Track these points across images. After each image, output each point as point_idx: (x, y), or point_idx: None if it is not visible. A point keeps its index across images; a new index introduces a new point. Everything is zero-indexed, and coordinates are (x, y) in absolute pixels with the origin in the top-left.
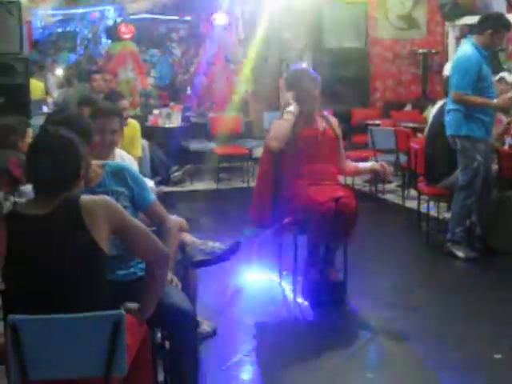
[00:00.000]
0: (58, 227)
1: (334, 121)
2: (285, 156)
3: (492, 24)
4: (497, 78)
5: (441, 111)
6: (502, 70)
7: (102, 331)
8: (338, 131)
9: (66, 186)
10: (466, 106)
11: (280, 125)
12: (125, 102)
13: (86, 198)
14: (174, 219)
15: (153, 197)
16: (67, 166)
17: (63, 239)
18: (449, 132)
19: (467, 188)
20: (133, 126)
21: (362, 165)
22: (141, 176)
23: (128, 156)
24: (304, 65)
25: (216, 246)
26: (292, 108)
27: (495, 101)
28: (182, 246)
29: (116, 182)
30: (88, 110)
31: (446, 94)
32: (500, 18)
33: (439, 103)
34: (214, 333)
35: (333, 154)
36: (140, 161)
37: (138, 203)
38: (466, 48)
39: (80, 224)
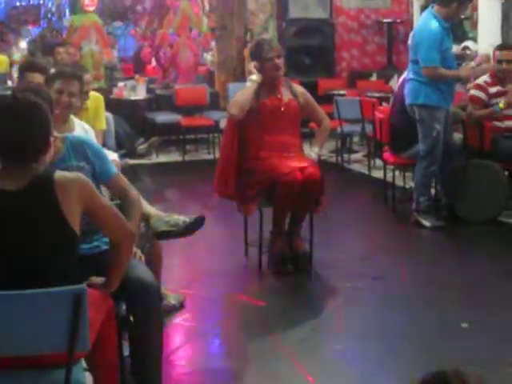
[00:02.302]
0: (30, 205)
1: (301, 90)
2: (248, 127)
3: None
4: (461, 46)
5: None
6: (467, 38)
7: (64, 306)
8: (305, 99)
9: (35, 155)
10: (437, 81)
11: (241, 92)
12: (87, 76)
13: (60, 175)
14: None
15: (115, 170)
16: (37, 132)
17: (35, 217)
18: (407, 101)
19: (428, 157)
20: (96, 98)
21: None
22: (102, 149)
23: (90, 128)
24: (268, 35)
25: (180, 218)
26: (254, 77)
27: (462, 71)
28: (146, 218)
29: (77, 156)
30: (32, 75)
31: None
32: None
33: (405, 73)
34: (180, 306)
35: (296, 126)
36: (104, 133)
37: (100, 177)
38: (428, 21)
39: (53, 203)
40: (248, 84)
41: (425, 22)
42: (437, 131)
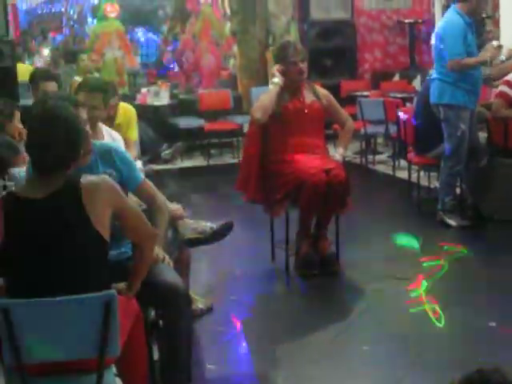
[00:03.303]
0: (56, 212)
1: (323, 91)
2: (272, 130)
3: None
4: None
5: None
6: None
7: (94, 312)
8: (327, 100)
9: (64, 164)
10: (460, 72)
11: (264, 96)
12: (113, 100)
13: (86, 180)
14: (170, 205)
15: (142, 176)
16: (66, 142)
17: (61, 224)
18: (432, 100)
19: (453, 156)
20: (128, 111)
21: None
22: (129, 155)
23: (117, 135)
24: (291, 38)
25: (208, 225)
26: (277, 79)
27: (486, 53)
28: (174, 225)
29: (104, 163)
30: (47, 84)
31: None
32: None
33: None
34: (208, 310)
35: (320, 128)
36: (135, 144)
37: (127, 184)
38: (451, 16)
39: (79, 209)
40: (271, 87)
41: (448, 18)
42: (461, 131)
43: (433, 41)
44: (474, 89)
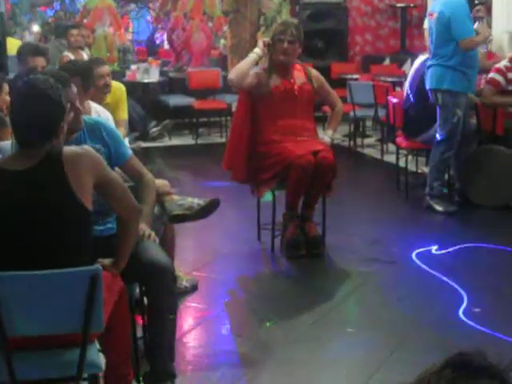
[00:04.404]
0: (39, 183)
1: (315, 73)
2: (261, 111)
3: None
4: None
5: (423, 65)
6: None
7: (80, 286)
8: (319, 82)
9: (47, 138)
10: (463, 55)
11: (243, 61)
12: (105, 68)
13: (68, 150)
14: (157, 181)
15: (130, 152)
16: (46, 116)
17: (44, 195)
18: (430, 86)
19: (446, 142)
20: (118, 88)
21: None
22: (117, 131)
23: (104, 111)
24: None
25: (195, 201)
26: (257, 49)
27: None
28: (161, 201)
29: (92, 137)
30: (35, 59)
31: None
32: None
33: (421, 57)
34: (194, 288)
35: (309, 110)
36: (125, 123)
37: (115, 159)
38: None
39: (62, 179)
40: (250, 55)
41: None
42: (458, 117)
43: (425, 25)
44: (472, 72)
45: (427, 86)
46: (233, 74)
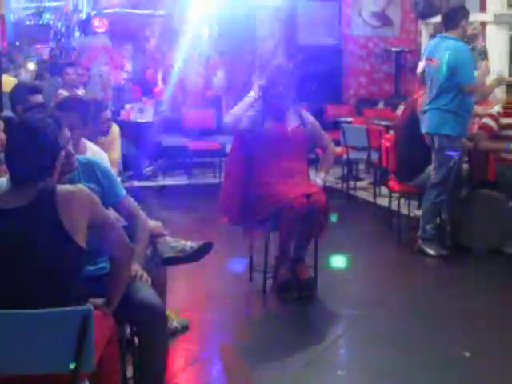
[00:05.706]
0: (31, 221)
1: (311, 119)
2: (255, 153)
3: (462, 13)
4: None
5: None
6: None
7: (70, 326)
8: (313, 127)
9: (39, 176)
10: (461, 101)
11: (238, 105)
12: (107, 113)
13: (63, 188)
14: (150, 222)
15: (124, 192)
16: (41, 154)
17: (36, 234)
18: (427, 130)
19: (440, 186)
20: (111, 131)
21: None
22: (111, 170)
23: (100, 151)
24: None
25: (188, 244)
26: (252, 93)
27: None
28: (153, 242)
29: (86, 177)
30: (36, 97)
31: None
32: (462, 5)
33: (404, 104)
34: (184, 329)
35: (302, 152)
36: (118, 163)
37: (109, 198)
38: (454, 44)
39: (54, 217)
40: (245, 98)
41: (453, 46)
42: (454, 161)
43: (419, 70)
44: (469, 116)
45: (423, 130)
46: (228, 117)
